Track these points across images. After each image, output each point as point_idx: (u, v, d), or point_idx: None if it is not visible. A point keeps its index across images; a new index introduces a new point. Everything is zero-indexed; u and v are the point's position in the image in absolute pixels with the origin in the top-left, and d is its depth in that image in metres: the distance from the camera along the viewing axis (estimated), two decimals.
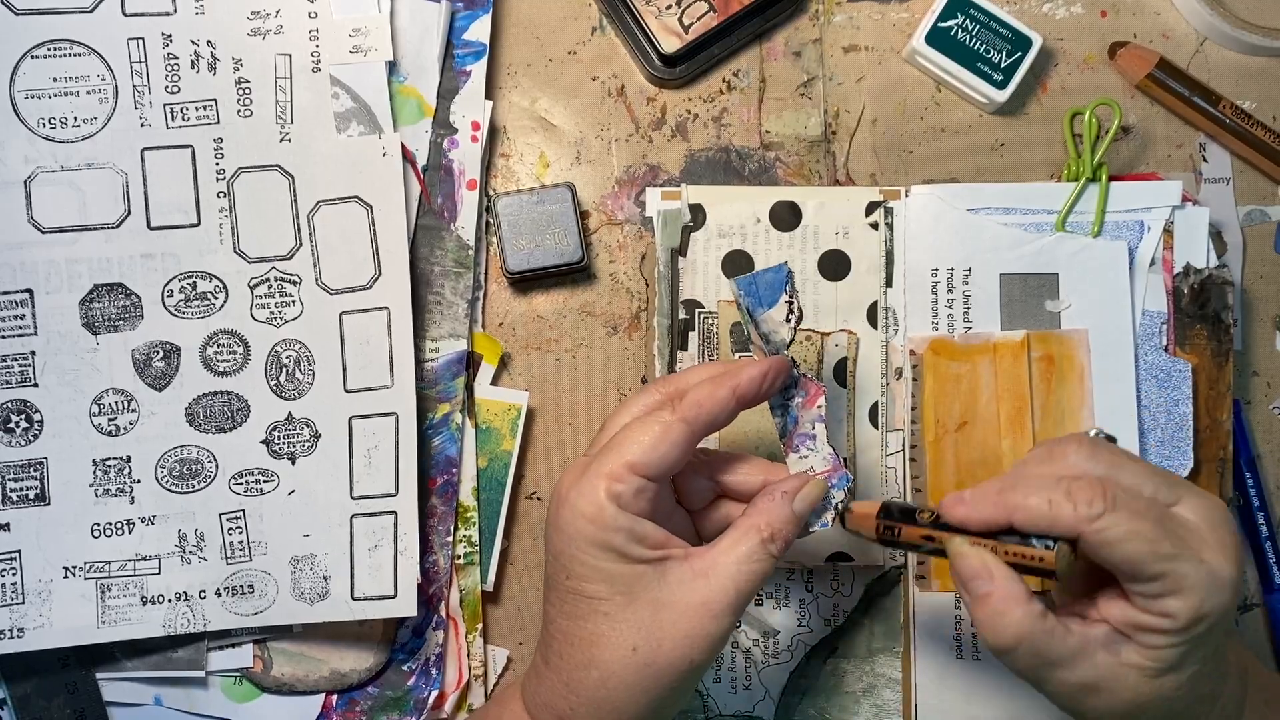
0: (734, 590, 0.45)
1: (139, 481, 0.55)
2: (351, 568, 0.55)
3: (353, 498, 0.55)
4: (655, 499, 0.45)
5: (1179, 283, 0.58)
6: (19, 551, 0.54)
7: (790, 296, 0.47)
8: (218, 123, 0.56)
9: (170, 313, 0.56)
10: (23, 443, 0.55)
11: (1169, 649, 0.42)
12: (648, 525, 0.45)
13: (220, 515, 0.55)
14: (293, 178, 0.56)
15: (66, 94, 0.55)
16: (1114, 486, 0.42)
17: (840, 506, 0.48)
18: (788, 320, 0.47)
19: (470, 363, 0.58)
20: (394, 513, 0.55)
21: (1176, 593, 0.41)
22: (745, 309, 0.48)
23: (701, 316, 0.58)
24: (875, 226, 0.59)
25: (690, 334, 0.58)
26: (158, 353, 0.56)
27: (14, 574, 0.54)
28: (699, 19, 0.59)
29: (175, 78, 0.56)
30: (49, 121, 0.55)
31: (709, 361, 0.57)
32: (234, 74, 0.56)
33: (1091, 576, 0.46)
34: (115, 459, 0.55)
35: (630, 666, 0.44)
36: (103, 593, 0.55)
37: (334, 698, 0.57)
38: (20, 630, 0.54)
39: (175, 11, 0.56)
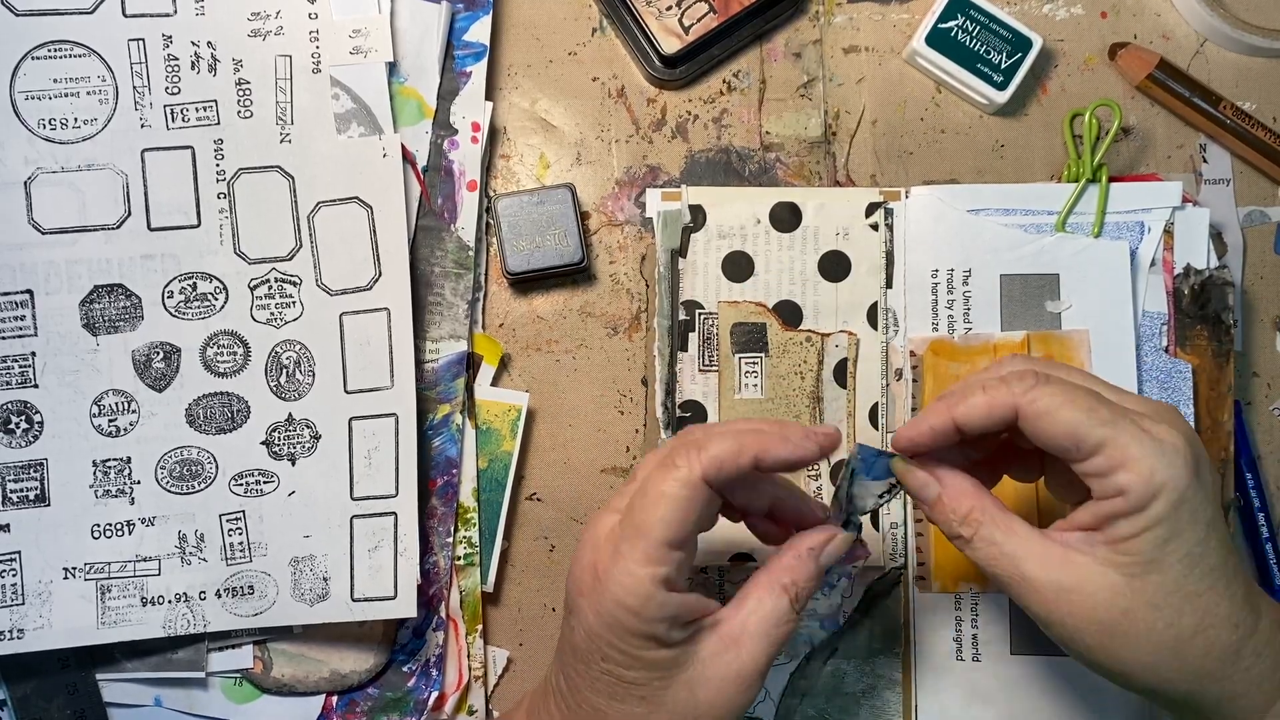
0: (764, 658, 0.44)
1: (139, 482, 0.55)
2: (351, 569, 0.55)
3: (353, 499, 0.55)
4: (694, 552, 0.44)
5: (1179, 284, 0.58)
6: (19, 552, 0.54)
7: (897, 482, 0.47)
8: (218, 124, 0.56)
9: (170, 314, 0.56)
10: (23, 444, 0.55)
11: (1137, 537, 0.41)
12: (689, 599, 0.44)
13: (220, 516, 0.55)
14: (293, 179, 0.56)
15: (67, 95, 0.55)
16: (1047, 369, 0.44)
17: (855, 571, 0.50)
18: (881, 497, 0.48)
19: (470, 364, 0.58)
20: (394, 514, 0.55)
21: (1123, 465, 0.41)
22: (851, 469, 0.48)
23: (701, 317, 0.58)
24: (875, 227, 0.59)
25: (690, 335, 0.58)
26: (158, 354, 0.56)
27: (14, 575, 0.54)
28: (699, 20, 0.59)
29: (175, 79, 0.56)
30: (49, 122, 0.55)
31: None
32: (234, 75, 0.56)
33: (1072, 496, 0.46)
34: (115, 460, 0.55)
35: None
36: (103, 594, 0.55)
37: (334, 699, 0.57)
38: (20, 631, 0.54)
39: (175, 12, 0.56)
